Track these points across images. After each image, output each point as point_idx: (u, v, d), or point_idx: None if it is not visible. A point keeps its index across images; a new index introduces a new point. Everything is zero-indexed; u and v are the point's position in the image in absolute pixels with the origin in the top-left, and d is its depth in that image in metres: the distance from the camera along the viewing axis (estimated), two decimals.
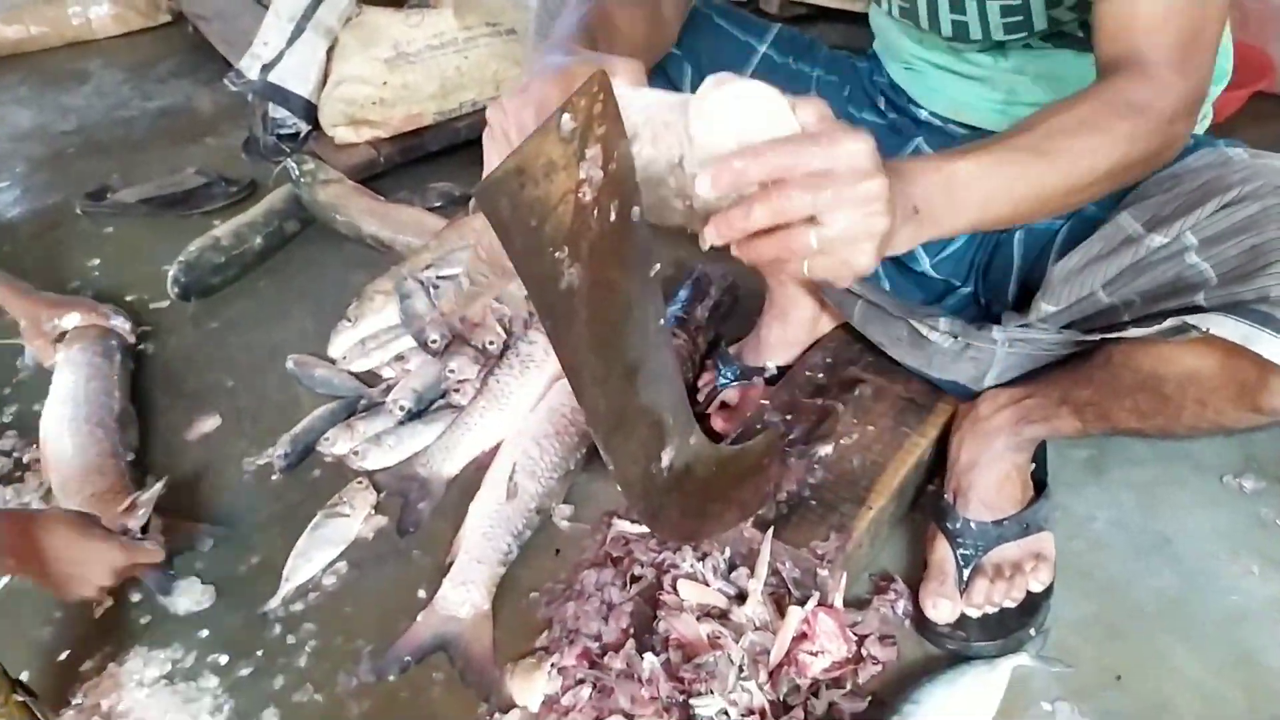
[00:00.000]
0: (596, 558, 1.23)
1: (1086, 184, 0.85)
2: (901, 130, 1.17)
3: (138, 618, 1.21)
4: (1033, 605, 1.08)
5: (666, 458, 0.91)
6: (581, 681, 1.08)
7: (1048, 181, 0.83)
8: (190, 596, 1.22)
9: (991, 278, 1.13)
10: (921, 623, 1.09)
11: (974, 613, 1.08)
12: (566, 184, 0.68)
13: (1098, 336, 0.95)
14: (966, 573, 1.09)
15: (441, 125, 2.06)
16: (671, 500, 0.95)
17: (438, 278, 1.61)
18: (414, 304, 1.57)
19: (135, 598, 1.23)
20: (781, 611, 1.08)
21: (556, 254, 0.70)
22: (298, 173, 1.89)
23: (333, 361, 1.57)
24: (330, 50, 1.99)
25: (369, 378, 1.55)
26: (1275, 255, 0.81)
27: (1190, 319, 0.83)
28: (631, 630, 1.12)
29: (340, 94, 1.96)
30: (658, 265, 0.80)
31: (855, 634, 1.07)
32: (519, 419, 1.40)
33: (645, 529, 1.23)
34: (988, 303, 1.16)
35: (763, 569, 1.09)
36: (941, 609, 1.07)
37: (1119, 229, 0.93)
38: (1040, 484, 1.15)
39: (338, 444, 1.42)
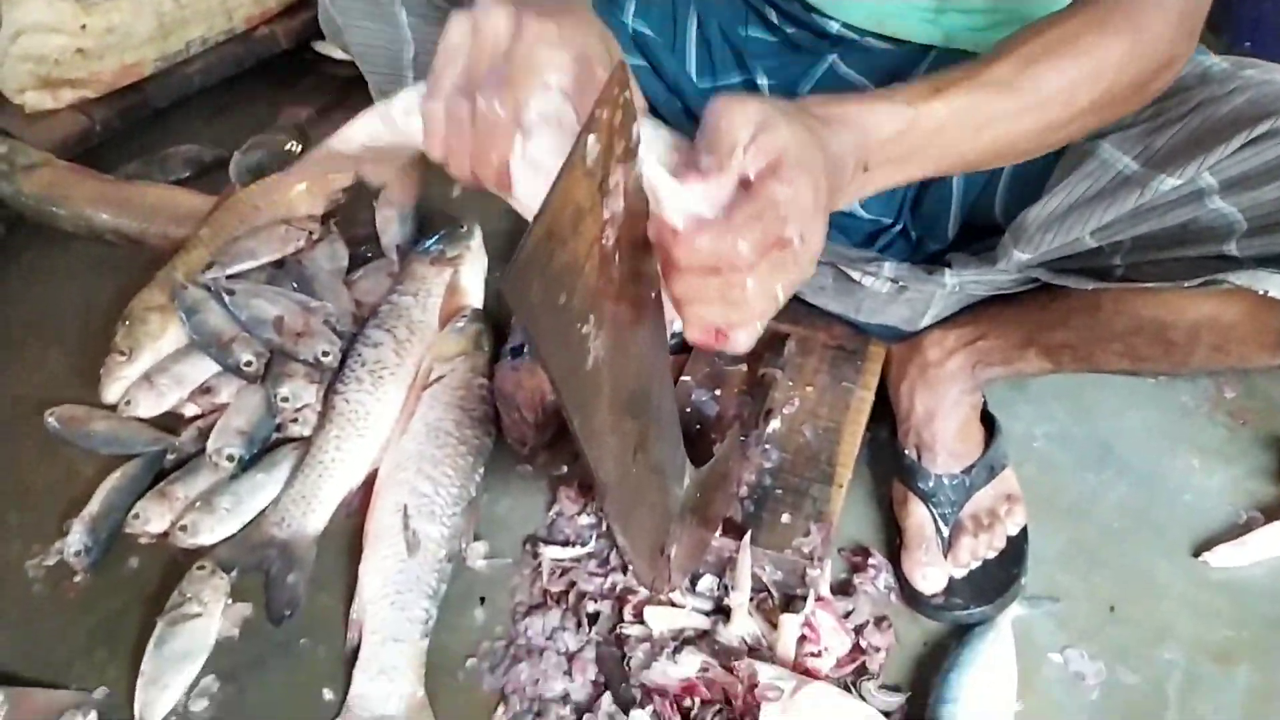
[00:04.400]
0: (534, 600, 1.04)
1: (1065, 122, 0.73)
2: (804, 46, 1.00)
3: None
4: (1015, 550, 1.02)
5: (674, 523, 0.74)
6: None
7: (1024, 124, 0.70)
8: None
9: (925, 211, 1.01)
10: (913, 597, 1.00)
11: (960, 573, 1.01)
12: (592, 231, 0.48)
13: (1090, 286, 0.85)
14: (947, 532, 1.01)
15: (167, 74, 1.63)
16: (676, 555, 0.78)
17: (228, 278, 1.29)
18: (205, 319, 1.24)
19: None
20: (772, 621, 0.96)
21: (583, 329, 0.50)
22: None
23: (111, 409, 1.23)
24: None
25: (168, 421, 1.23)
26: None
27: (1235, 278, 0.75)
28: (603, 680, 0.96)
29: (22, 49, 1.49)
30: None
31: (850, 624, 0.97)
32: (385, 443, 1.15)
33: (579, 552, 1.06)
34: (919, 238, 1.04)
35: (745, 580, 0.96)
36: (932, 578, 0.99)
37: (1105, 166, 0.82)
38: (988, 418, 1.08)
39: (152, 519, 1.11)
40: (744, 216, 0.52)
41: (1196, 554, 1.03)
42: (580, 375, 0.50)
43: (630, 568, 0.98)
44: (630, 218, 0.51)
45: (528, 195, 0.55)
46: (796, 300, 1.12)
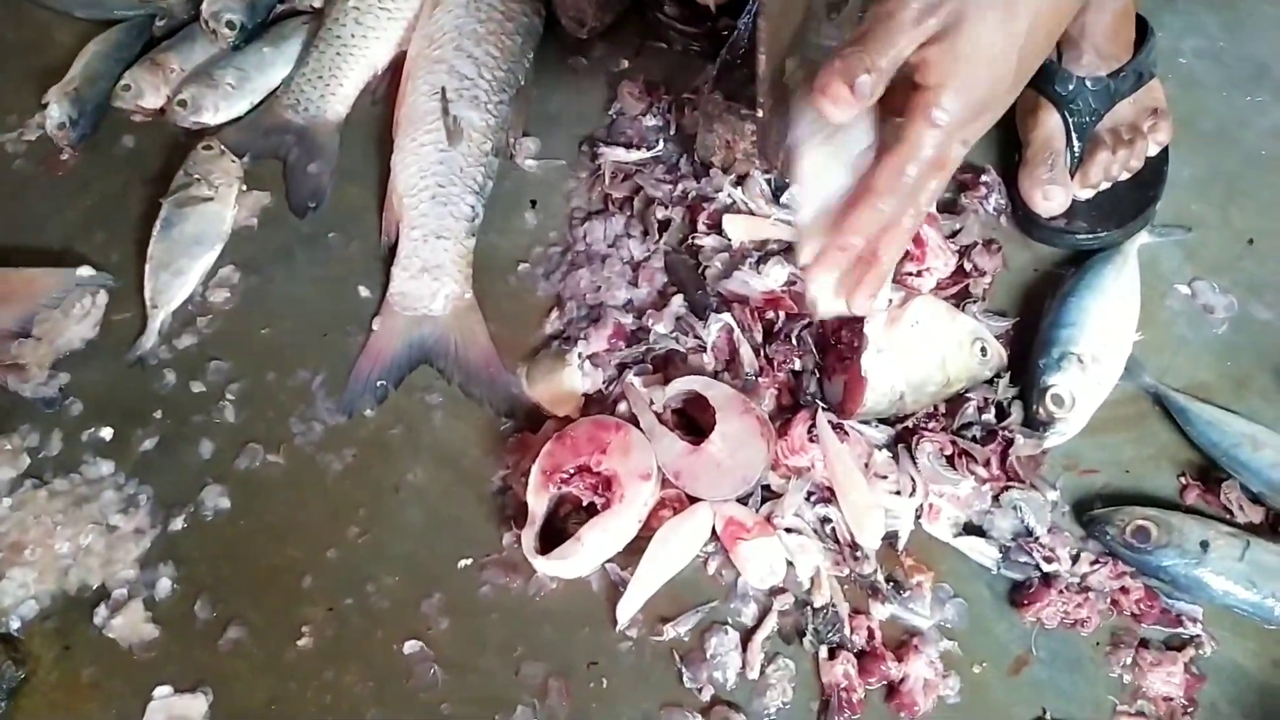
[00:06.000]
0: (593, 205, 0.91)
1: None
2: None
3: None
4: (1153, 172, 0.89)
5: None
6: (626, 366, 0.83)
7: None
8: None
9: None
10: (1028, 219, 0.88)
11: (1087, 194, 0.88)
12: None
13: None
14: (1080, 147, 0.86)
15: None
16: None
17: None
18: None
19: None
20: None
21: None
22: None
23: None
24: None
25: None
26: None
27: None
28: (674, 289, 0.86)
29: None
30: None
31: (955, 244, 0.86)
32: (415, 18, 0.97)
33: (645, 155, 0.92)
34: None
35: None
36: (1054, 199, 0.86)
37: None
38: (1139, 19, 0.90)
39: (145, 91, 0.96)
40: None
41: None
42: None
43: (743, 144, 0.86)
44: None
45: None
46: None
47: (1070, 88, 0.86)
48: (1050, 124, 0.87)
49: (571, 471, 0.74)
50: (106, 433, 0.82)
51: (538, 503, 0.74)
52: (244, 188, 0.92)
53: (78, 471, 0.80)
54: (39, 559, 0.76)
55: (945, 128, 0.55)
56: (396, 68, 0.96)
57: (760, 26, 0.57)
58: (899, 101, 0.57)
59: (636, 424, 0.76)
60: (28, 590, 0.75)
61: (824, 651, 0.72)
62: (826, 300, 0.63)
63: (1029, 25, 0.54)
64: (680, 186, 0.90)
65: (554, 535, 0.73)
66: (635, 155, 0.92)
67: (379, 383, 0.83)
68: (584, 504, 0.75)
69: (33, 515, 0.78)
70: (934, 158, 0.56)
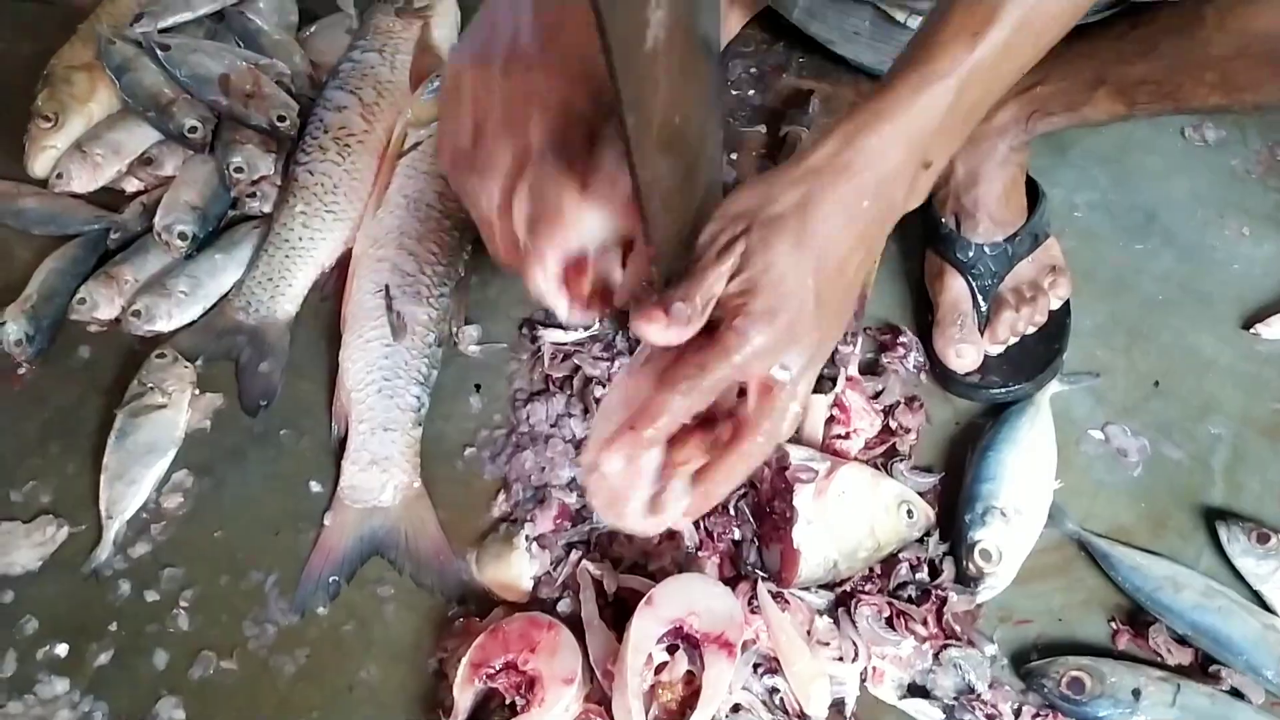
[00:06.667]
0: (535, 386, 0.95)
1: None
2: None
3: None
4: (1057, 325, 0.94)
5: None
6: (572, 546, 0.85)
7: None
8: None
9: None
10: (945, 376, 0.93)
11: (997, 349, 0.93)
12: None
13: None
14: (986, 307, 0.92)
15: None
16: None
17: (160, 32, 1.11)
18: (139, 79, 1.08)
19: None
20: None
21: None
22: None
23: (42, 184, 1.08)
24: None
25: (107, 198, 1.08)
26: None
27: None
28: None
29: None
30: None
31: (879, 405, 0.90)
32: (358, 220, 1.03)
33: (583, 334, 0.96)
34: None
35: None
36: (966, 356, 0.91)
37: None
38: (1030, 184, 0.98)
39: (100, 304, 0.99)
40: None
41: (1246, 326, 0.96)
42: (638, 56, 0.39)
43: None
44: None
45: None
46: (809, 49, 0.99)
47: (970, 254, 0.93)
48: (956, 288, 0.93)
49: (498, 668, 0.74)
50: (62, 649, 0.82)
51: (463, 697, 0.74)
52: (197, 391, 0.94)
53: (32, 692, 0.80)
54: None
55: (750, 341, 0.54)
56: (343, 264, 1.01)
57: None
58: None
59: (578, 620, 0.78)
60: None
61: None
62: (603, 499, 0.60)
63: (818, 257, 0.56)
64: (617, 364, 0.94)
65: None
66: (572, 335, 0.96)
67: (331, 579, 0.85)
68: (507, 701, 0.74)
69: None
70: (739, 365, 0.55)
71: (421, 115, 1.06)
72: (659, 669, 0.74)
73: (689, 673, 0.74)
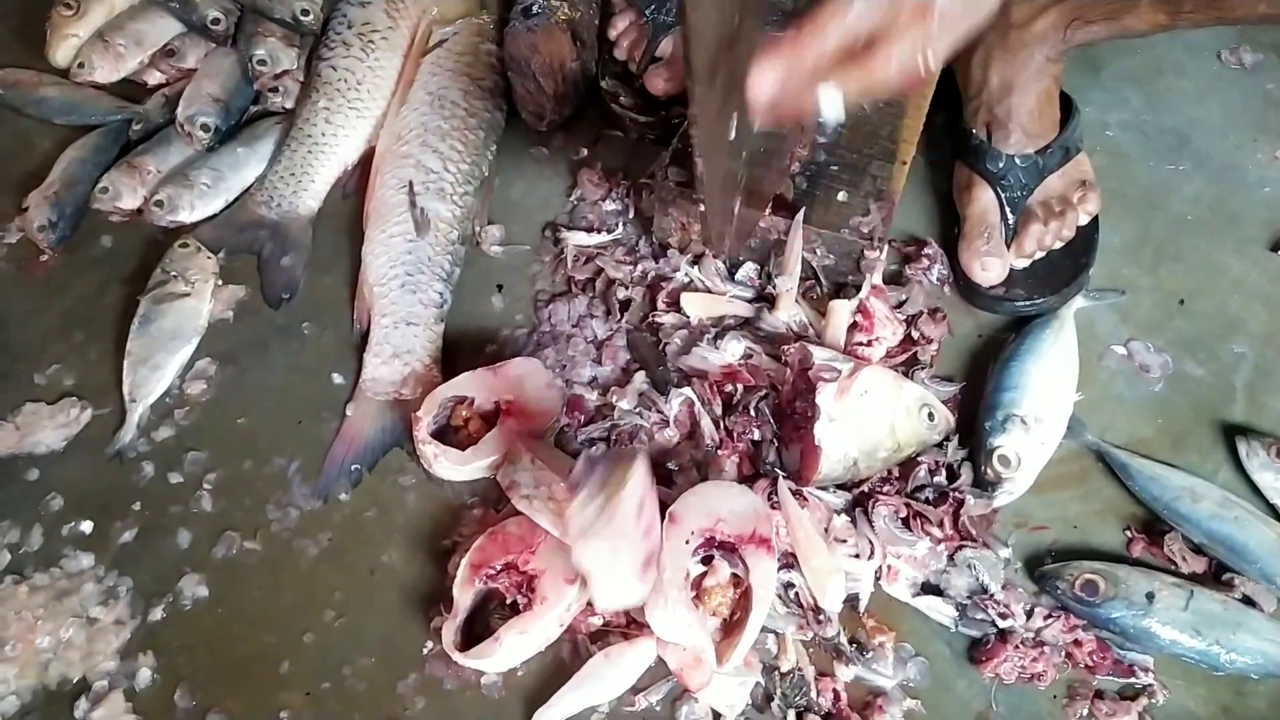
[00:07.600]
0: (557, 287, 0.95)
1: None
2: None
3: None
4: (1085, 240, 0.94)
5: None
6: (592, 442, 0.86)
7: None
8: None
9: None
10: (969, 289, 0.92)
11: (1023, 263, 0.92)
12: None
13: None
14: (1014, 219, 0.92)
15: None
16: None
17: None
18: None
19: None
20: (820, 310, 0.88)
21: None
22: None
23: (63, 74, 1.07)
24: None
25: (128, 90, 1.07)
26: None
27: None
28: (636, 365, 0.89)
29: None
30: None
31: (902, 314, 0.90)
32: (382, 117, 1.02)
33: (605, 238, 0.96)
34: None
35: (795, 262, 0.87)
36: (992, 269, 0.91)
37: None
38: (1064, 98, 0.96)
39: (123, 193, 0.99)
40: None
41: (1274, 248, 0.95)
42: None
43: (698, 226, 0.90)
44: None
45: None
46: None
47: (1001, 165, 0.92)
48: (984, 199, 0.92)
49: (498, 568, 0.75)
50: (86, 526, 0.84)
51: (463, 596, 0.75)
52: (219, 282, 0.95)
53: (58, 565, 0.82)
54: (19, 654, 0.77)
55: None
56: (366, 163, 1.00)
57: (693, 134, 0.60)
58: None
59: None
60: (8, 686, 0.76)
61: (792, 715, 0.74)
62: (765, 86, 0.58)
63: None
64: (640, 267, 0.94)
65: (484, 628, 0.75)
66: (596, 239, 0.96)
67: (353, 467, 0.85)
68: (508, 601, 0.75)
69: (13, 611, 0.79)
70: None
71: (446, 12, 1.05)
72: (698, 582, 0.74)
73: (734, 575, 0.74)
